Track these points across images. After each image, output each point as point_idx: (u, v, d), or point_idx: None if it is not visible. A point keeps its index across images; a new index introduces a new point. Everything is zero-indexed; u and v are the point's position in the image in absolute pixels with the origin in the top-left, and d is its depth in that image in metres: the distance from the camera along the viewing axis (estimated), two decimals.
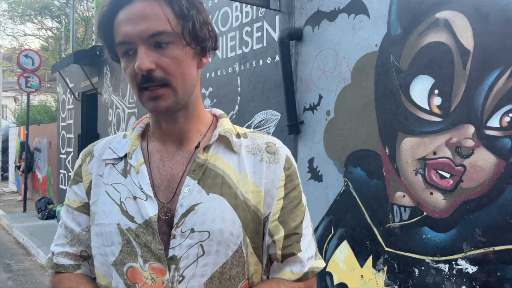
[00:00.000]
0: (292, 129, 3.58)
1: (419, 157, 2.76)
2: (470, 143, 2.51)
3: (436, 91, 2.67)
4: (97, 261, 0.98)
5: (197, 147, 0.99)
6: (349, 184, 3.21)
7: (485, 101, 2.45)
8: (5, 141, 15.81)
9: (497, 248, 2.39)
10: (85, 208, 1.02)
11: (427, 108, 2.72)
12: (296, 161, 3.61)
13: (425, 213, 2.74)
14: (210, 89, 4.72)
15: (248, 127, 4.17)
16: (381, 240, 2.99)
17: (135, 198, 0.95)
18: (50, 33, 14.43)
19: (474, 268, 2.49)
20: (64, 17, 12.39)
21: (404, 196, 2.85)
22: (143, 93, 0.92)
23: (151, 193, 0.94)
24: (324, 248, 3.40)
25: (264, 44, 3.96)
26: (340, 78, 3.28)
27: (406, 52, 2.83)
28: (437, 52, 2.67)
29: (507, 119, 2.36)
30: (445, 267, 2.63)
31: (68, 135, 9.11)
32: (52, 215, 8.83)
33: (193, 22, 0.91)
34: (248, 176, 0.97)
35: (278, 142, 1.05)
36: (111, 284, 0.95)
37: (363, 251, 3.11)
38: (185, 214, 0.92)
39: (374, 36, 3.03)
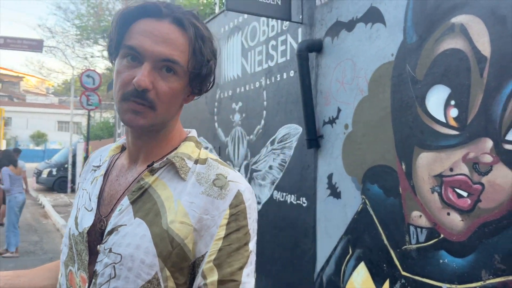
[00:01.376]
0: (311, 143, 3.47)
1: (435, 174, 2.54)
2: (488, 158, 2.26)
3: (453, 102, 2.46)
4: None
5: (149, 166, 0.95)
6: (366, 202, 3.03)
7: (503, 112, 2.21)
8: (74, 155, 16.93)
9: None
10: None
11: (444, 120, 2.51)
12: (316, 177, 3.49)
13: (442, 235, 2.50)
14: (240, 103, 4.73)
15: (273, 141, 4.10)
16: (397, 263, 2.77)
17: (85, 208, 0.99)
18: None
19: None
20: None
21: (420, 216, 2.63)
22: (126, 103, 0.89)
23: (95, 205, 0.96)
24: (342, 269, 3.22)
25: (288, 58, 3.90)
26: (357, 90, 3.13)
27: (422, 61, 2.64)
28: (453, 59, 2.46)
29: None
30: None
31: None
32: None
33: (204, 67, 0.92)
34: (182, 206, 0.89)
35: (231, 175, 0.94)
36: (59, 277, 1.02)
37: (380, 274, 2.90)
38: (110, 233, 0.90)
39: (391, 45, 2.87)
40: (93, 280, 0.89)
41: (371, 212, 2.98)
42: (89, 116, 10.34)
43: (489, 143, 2.26)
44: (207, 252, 0.87)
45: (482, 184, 2.29)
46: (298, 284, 3.71)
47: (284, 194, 3.93)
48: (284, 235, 3.92)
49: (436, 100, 2.55)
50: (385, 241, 2.87)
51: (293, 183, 3.81)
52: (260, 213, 4.27)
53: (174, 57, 0.88)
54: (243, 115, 4.66)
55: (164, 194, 0.91)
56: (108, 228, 0.90)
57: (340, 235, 3.25)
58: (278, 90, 4.05)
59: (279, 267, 3.98)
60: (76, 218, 0.98)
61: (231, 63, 4.96)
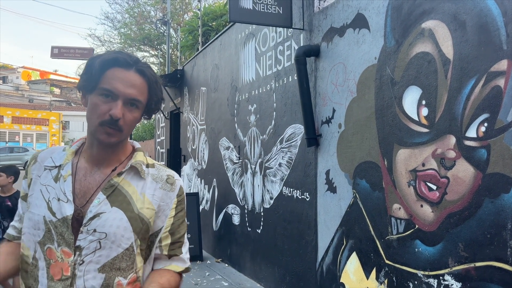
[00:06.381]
0: (310, 142, 3.71)
1: (411, 169, 2.73)
2: (452, 154, 2.44)
3: (424, 102, 2.64)
4: (25, 237, 1.36)
5: (114, 170, 1.33)
6: (357, 196, 3.24)
7: (464, 110, 2.37)
8: None
9: (478, 264, 2.28)
10: (26, 198, 1.37)
11: (417, 119, 2.69)
12: (316, 173, 3.73)
13: (416, 226, 2.69)
14: (255, 105, 5.03)
15: (281, 141, 4.38)
16: (382, 252, 2.98)
17: (58, 200, 1.31)
18: (154, 60, 16.26)
19: (459, 285, 2.39)
20: (164, 44, 13.86)
21: (400, 208, 2.82)
22: (103, 127, 1.24)
23: (71, 198, 1.28)
24: (338, 259, 3.45)
25: (292, 62, 4.15)
26: (348, 91, 3.35)
27: (399, 64, 2.83)
28: (423, 62, 2.64)
29: (482, 128, 2.26)
30: (434, 282, 2.55)
31: (161, 150, 10.14)
32: None
33: (156, 103, 1.34)
34: (146, 197, 1.32)
35: (176, 176, 1.41)
36: (30, 254, 1.29)
37: (368, 263, 3.11)
38: (92, 218, 1.25)
39: (374, 49, 3.07)
40: (78, 253, 1.23)
41: (361, 205, 3.19)
42: None
43: (452, 140, 2.43)
44: (163, 226, 1.34)
45: (447, 178, 2.47)
46: (303, 273, 3.97)
47: (291, 189, 4.20)
48: (292, 227, 4.19)
49: (411, 100, 2.74)
50: (372, 232, 3.07)
51: (298, 179, 4.06)
52: (271, 207, 4.57)
53: (138, 97, 1.26)
54: (257, 116, 4.96)
55: (130, 190, 1.31)
56: (90, 215, 1.24)
57: (336, 227, 3.49)
58: (285, 92, 4.32)
59: (288, 258, 4.25)
60: (50, 208, 1.26)
61: (247, 68, 5.28)
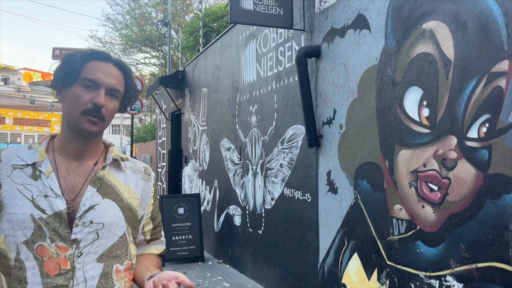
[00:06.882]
0: (311, 142, 3.71)
1: (412, 170, 2.73)
2: (453, 155, 2.44)
3: (425, 102, 2.64)
4: (5, 239, 1.31)
5: (95, 164, 1.37)
6: (358, 196, 3.24)
7: (465, 111, 2.37)
8: None
9: (479, 265, 2.28)
10: None
11: (418, 119, 2.69)
12: (317, 174, 3.73)
13: (418, 227, 2.69)
14: (256, 106, 5.04)
15: (282, 141, 4.38)
16: (383, 253, 2.97)
17: (46, 196, 1.31)
18: (155, 61, 16.28)
19: (460, 285, 2.39)
20: (165, 46, 13.88)
21: (401, 209, 2.82)
22: (86, 116, 1.27)
23: (60, 193, 1.28)
24: (340, 260, 3.45)
25: (293, 63, 4.15)
26: (349, 92, 3.35)
27: (400, 64, 2.83)
28: (424, 63, 2.64)
29: (484, 129, 2.26)
30: (436, 283, 2.55)
31: (163, 151, 10.14)
32: None
33: (132, 97, 1.41)
34: (131, 188, 1.41)
35: (150, 168, 1.54)
36: (12, 257, 1.25)
37: (370, 264, 3.11)
38: (87, 211, 1.29)
39: (375, 50, 3.07)
40: (75, 245, 1.25)
41: (362, 206, 3.19)
42: (132, 120, 11.04)
43: (454, 140, 2.43)
44: (144, 213, 1.45)
45: (449, 179, 2.47)
46: (305, 274, 3.96)
47: (293, 190, 4.20)
48: (293, 228, 4.19)
49: (412, 101, 2.74)
50: (373, 233, 3.07)
51: (300, 180, 4.06)
52: (273, 208, 4.57)
53: (118, 87, 1.32)
54: (259, 117, 4.96)
55: (115, 182, 1.38)
56: (84, 208, 1.28)
57: (337, 228, 3.48)
58: (286, 93, 4.32)
59: (289, 258, 4.25)
60: (37, 206, 1.25)
61: (248, 69, 5.28)
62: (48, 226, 1.26)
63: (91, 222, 1.28)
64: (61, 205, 1.27)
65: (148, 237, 1.48)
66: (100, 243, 1.29)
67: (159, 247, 1.53)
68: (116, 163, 1.41)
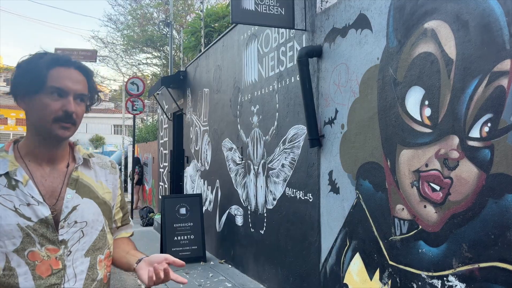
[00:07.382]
0: (313, 142, 3.71)
1: (414, 169, 2.72)
2: (455, 154, 2.43)
3: (427, 102, 2.63)
4: None
5: (67, 166, 1.42)
6: (360, 196, 3.24)
7: (467, 110, 2.37)
8: (126, 157, 17.97)
9: (482, 265, 2.28)
10: None
11: (419, 119, 2.69)
12: (319, 174, 3.73)
13: (420, 227, 2.68)
14: (257, 106, 5.04)
15: (284, 141, 4.38)
16: (385, 253, 2.97)
17: (28, 204, 1.31)
18: (157, 61, 16.27)
19: (463, 285, 2.38)
20: (166, 46, 13.88)
21: (403, 209, 2.82)
22: (58, 123, 1.31)
23: (42, 200, 1.32)
24: (342, 260, 3.44)
25: (294, 63, 4.15)
26: (351, 92, 3.34)
27: (401, 64, 2.83)
28: (426, 62, 2.63)
29: (486, 129, 2.26)
30: (438, 283, 2.54)
31: (165, 151, 10.15)
32: (150, 223, 9.89)
33: (95, 97, 1.45)
34: (103, 183, 1.50)
35: (114, 161, 1.63)
36: (1, 266, 1.27)
37: (372, 264, 3.11)
38: (70, 212, 1.36)
39: (376, 50, 3.07)
40: (63, 246, 1.32)
41: (364, 206, 3.19)
42: (134, 120, 11.05)
43: (456, 140, 2.43)
44: (114, 203, 1.55)
45: (451, 179, 2.46)
46: (307, 274, 3.96)
47: (294, 190, 4.19)
48: (295, 228, 4.18)
49: (413, 101, 2.73)
50: (375, 233, 3.07)
51: (301, 180, 4.06)
52: (274, 208, 4.57)
53: (84, 91, 1.36)
54: (260, 117, 4.96)
55: (89, 180, 1.45)
56: (67, 210, 1.34)
57: (339, 228, 3.48)
58: (287, 93, 4.32)
59: (291, 258, 4.25)
60: (22, 215, 1.27)
61: (249, 69, 5.28)
62: (36, 233, 1.31)
63: (75, 222, 1.35)
64: (45, 211, 1.31)
65: (119, 224, 1.60)
66: (85, 239, 1.38)
67: (128, 231, 1.65)
68: (85, 161, 1.47)
